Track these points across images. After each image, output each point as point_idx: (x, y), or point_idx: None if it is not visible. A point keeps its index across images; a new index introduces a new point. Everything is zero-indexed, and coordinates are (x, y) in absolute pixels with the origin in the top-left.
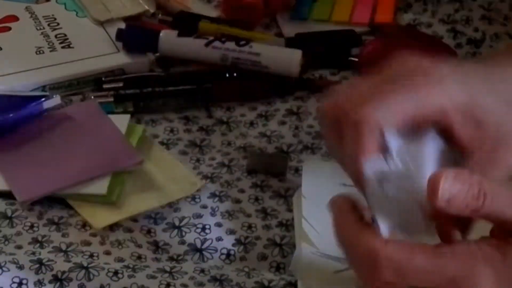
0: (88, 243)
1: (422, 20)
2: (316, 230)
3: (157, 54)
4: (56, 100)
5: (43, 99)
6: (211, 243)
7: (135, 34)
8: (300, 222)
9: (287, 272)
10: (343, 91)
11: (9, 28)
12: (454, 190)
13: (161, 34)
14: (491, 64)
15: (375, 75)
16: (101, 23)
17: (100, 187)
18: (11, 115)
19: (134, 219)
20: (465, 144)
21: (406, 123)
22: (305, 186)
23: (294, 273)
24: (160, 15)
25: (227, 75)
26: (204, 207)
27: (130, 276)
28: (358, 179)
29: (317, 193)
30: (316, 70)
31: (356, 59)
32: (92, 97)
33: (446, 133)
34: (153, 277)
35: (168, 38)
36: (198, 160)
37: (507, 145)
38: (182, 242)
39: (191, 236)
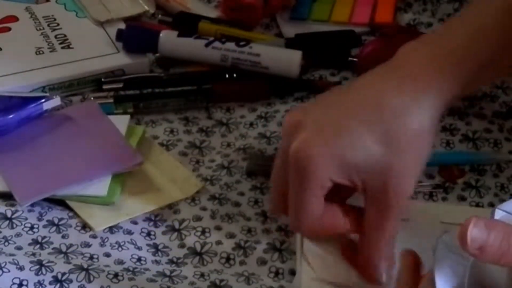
0: (88, 245)
1: (422, 20)
2: (317, 255)
3: (157, 55)
4: (56, 101)
5: (43, 100)
6: (210, 247)
7: (135, 35)
8: (301, 245)
9: (285, 278)
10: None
11: (9, 29)
12: (485, 237)
13: (161, 35)
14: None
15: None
16: (101, 24)
17: (100, 188)
18: (11, 116)
19: (134, 221)
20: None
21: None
22: None
23: None
24: (160, 16)
25: (227, 76)
26: (204, 209)
27: (130, 279)
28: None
29: None
30: (316, 71)
31: (356, 59)
32: (92, 97)
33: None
34: (153, 280)
35: (168, 38)
36: (197, 162)
37: (392, 181)
38: (182, 245)
39: (191, 239)
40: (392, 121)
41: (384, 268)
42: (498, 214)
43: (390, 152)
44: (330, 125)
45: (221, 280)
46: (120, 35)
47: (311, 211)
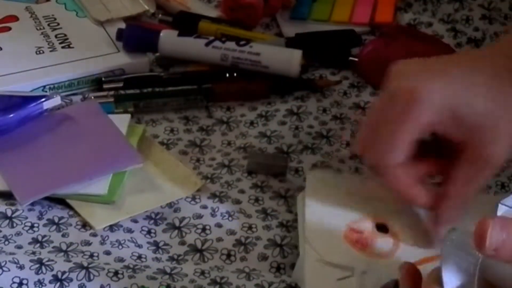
0: (88, 243)
1: (422, 19)
2: (320, 237)
3: (157, 54)
4: (56, 100)
5: (44, 99)
6: (211, 244)
7: (135, 34)
8: (303, 228)
9: (287, 273)
10: None
11: (9, 28)
12: (501, 238)
13: (161, 34)
14: (472, 58)
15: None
16: (101, 23)
17: (100, 187)
18: (11, 115)
19: (134, 219)
20: (458, 145)
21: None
22: (309, 195)
23: (297, 281)
24: (160, 15)
25: (227, 75)
26: (204, 207)
27: (130, 277)
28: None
29: (321, 202)
30: (316, 70)
31: (356, 59)
32: (92, 97)
33: (441, 137)
34: (153, 278)
35: (168, 38)
36: (198, 160)
37: (493, 139)
38: (183, 243)
39: (191, 237)
40: (507, 87)
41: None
42: (501, 209)
43: (500, 111)
44: (444, 73)
45: (222, 277)
46: (120, 34)
47: (398, 148)
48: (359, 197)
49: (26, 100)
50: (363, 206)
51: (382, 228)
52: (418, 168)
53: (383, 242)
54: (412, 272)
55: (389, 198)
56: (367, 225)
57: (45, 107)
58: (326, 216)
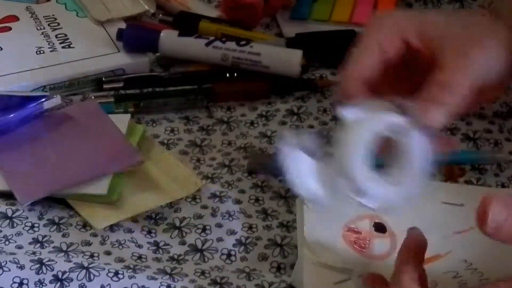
0: (88, 243)
1: None
2: (318, 240)
3: (158, 54)
4: (56, 100)
5: (44, 99)
6: (211, 244)
7: (135, 34)
8: (302, 230)
9: (287, 273)
10: None
11: (10, 28)
12: (502, 217)
13: (161, 34)
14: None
15: None
16: (101, 23)
17: (100, 187)
18: (11, 115)
19: (134, 219)
20: (436, 52)
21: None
22: None
23: (295, 283)
24: (160, 15)
25: (227, 75)
26: (205, 207)
27: (130, 277)
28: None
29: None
30: (317, 70)
31: None
32: (93, 97)
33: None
34: (153, 278)
35: (168, 38)
36: (198, 160)
37: (476, 45)
38: (183, 243)
39: (191, 237)
40: (478, 25)
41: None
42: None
43: (470, 34)
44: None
45: (222, 277)
46: (120, 34)
47: (368, 58)
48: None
49: (26, 100)
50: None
51: (379, 227)
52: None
53: (381, 243)
54: (374, 277)
55: None
56: (365, 225)
57: (45, 107)
58: (324, 217)
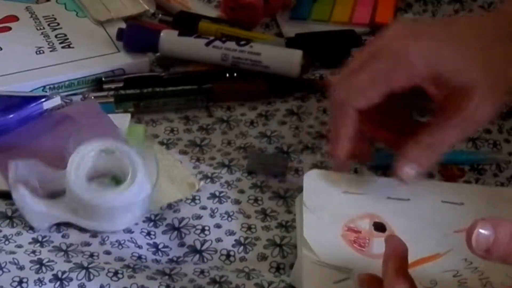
0: (88, 244)
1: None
2: (317, 239)
3: (158, 54)
4: (56, 100)
5: (44, 99)
6: (210, 244)
7: (135, 34)
8: (301, 230)
9: (287, 272)
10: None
11: (9, 28)
12: (491, 239)
13: (161, 34)
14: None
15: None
16: (101, 23)
17: None
18: (11, 115)
19: None
20: (439, 101)
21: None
22: (307, 196)
23: (294, 283)
24: (160, 15)
25: (227, 75)
26: (204, 208)
27: (130, 277)
28: None
29: (319, 202)
30: (317, 70)
31: None
32: (92, 97)
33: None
34: (152, 278)
35: (168, 37)
36: (198, 160)
37: (470, 95)
38: (182, 244)
39: (190, 238)
40: (490, 54)
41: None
42: None
43: (480, 72)
44: (432, 37)
45: (221, 276)
46: (120, 34)
47: (372, 95)
48: (357, 196)
49: (26, 100)
50: (361, 205)
51: (379, 227)
52: (368, 128)
53: (381, 243)
54: (371, 278)
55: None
56: (364, 224)
57: (45, 107)
58: (324, 216)
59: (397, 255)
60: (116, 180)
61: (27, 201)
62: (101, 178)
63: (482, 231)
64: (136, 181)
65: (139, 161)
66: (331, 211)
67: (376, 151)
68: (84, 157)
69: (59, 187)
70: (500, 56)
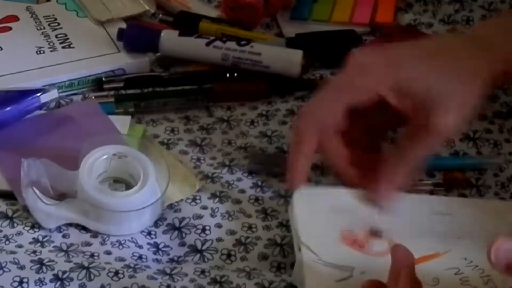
0: (88, 244)
1: (422, 20)
2: (316, 238)
3: (158, 54)
4: (53, 93)
5: (40, 92)
6: (211, 244)
7: (136, 34)
8: (296, 228)
9: (287, 272)
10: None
11: (10, 28)
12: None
13: (162, 34)
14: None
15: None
16: (102, 23)
17: None
18: (8, 108)
19: None
20: (405, 114)
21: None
22: (299, 217)
23: (296, 282)
24: (160, 15)
25: (228, 75)
26: (204, 208)
27: (130, 276)
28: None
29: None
30: (317, 70)
31: None
32: (93, 97)
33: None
34: (153, 278)
35: (169, 37)
36: (198, 160)
37: (436, 109)
38: (183, 244)
39: (191, 237)
40: (457, 68)
41: (387, 192)
42: None
43: (446, 85)
44: (392, 49)
45: (222, 276)
46: (121, 34)
47: (338, 110)
48: (348, 212)
49: (22, 94)
50: (353, 219)
51: (376, 232)
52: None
53: (379, 243)
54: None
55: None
56: (361, 231)
57: (42, 101)
58: (319, 231)
59: (404, 266)
60: (127, 184)
61: (38, 201)
62: (112, 181)
63: (502, 247)
64: (147, 185)
65: (150, 166)
66: (324, 227)
67: None
68: (97, 160)
69: (70, 188)
70: (468, 69)
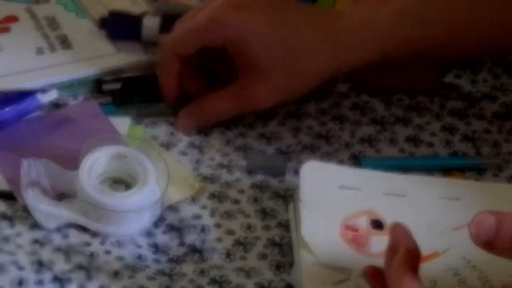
0: (88, 244)
1: None
2: (315, 238)
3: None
4: (52, 93)
5: (39, 92)
6: (210, 244)
7: (118, 22)
8: (295, 229)
9: (287, 271)
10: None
11: (9, 29)
12: (492, 232)
13: (144, 21)
14: None
15: None
16: None
17: None
18: (7, 109)
19: None
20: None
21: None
22: (303, 191)
23: (294, 283)
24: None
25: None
26: (204, 208)
27: (130, 277)
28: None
29: (315, 198)
30: None
31: None
32: (92, 98)
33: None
34: (152, 278)
35: (151, 24)
36: (197, 161)
37: (254, 69)
38: (182, 244)
39: (190, 238)
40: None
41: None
42: None
43: (279, 54)
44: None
45: (221, 276)
46: (103, 23)
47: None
48: (353, 192)
49: (22, 94)
50: (357, 201)
51: (377, 224)
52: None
53: (379, 241)
54: (374, 273)
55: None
56: (362, 222)
57: (42, 101)
58: (321, 213)
59: (407, 253)
60: (127, 184)
61: (38, 201)
62: (112, 182)
63: (484, 222)
64: (147, 186)
65: (150, 166)
66: (328, 207)
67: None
68: (97, 160)
69: (70, 188)
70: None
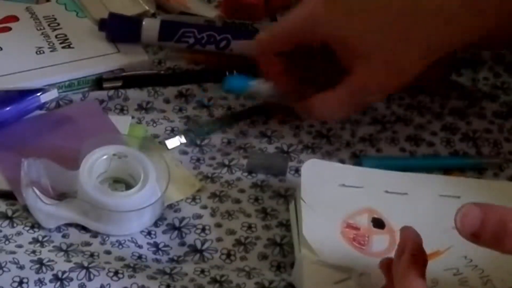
0: (88, 244)
1: None
2: (316, 237)
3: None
4: (53, 93)
5: (40, 92)
6: (211, 244)
7: (118, 23)
8: (296, 228)
9: (287, 271)
10: None
11: (10, 28)
12: (478, 223)
13: (144, 22)
14: None
15: None
16: None
17: None
18: (8, 108)
19: None
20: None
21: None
22: (304, 189)
23: (295, 283)
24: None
25: (227, 74)
26: (204, 207)
27: (130, 276)
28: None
29: (316, 196)
30: None
31: None
32: (92, 97)
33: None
34: (153, 278)
35: (151, 26)
36: (198, 160)
37: (364, 62)
38: (182, 244)
39: (191, 237)
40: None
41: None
42: None
43: (383, 43)
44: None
45: (222, 276)
46: (103, 24)
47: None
48: (354, 190)
49: (22, 94)
50: (358, 199)
51: (378, 223)
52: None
53: (380, 240)
54: (390, 265)
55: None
56: (363, 220)
57: (42, 100)
58: (322, 211)
59: (413, 251)
60: (127, 184)
61: (38, 201)
62: (112, 181)
63: (470, 213)
64: (148, 186)
65: (151, 166)
66: (329, 205)
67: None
68: (97, 160)
69: (70, 188)
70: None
